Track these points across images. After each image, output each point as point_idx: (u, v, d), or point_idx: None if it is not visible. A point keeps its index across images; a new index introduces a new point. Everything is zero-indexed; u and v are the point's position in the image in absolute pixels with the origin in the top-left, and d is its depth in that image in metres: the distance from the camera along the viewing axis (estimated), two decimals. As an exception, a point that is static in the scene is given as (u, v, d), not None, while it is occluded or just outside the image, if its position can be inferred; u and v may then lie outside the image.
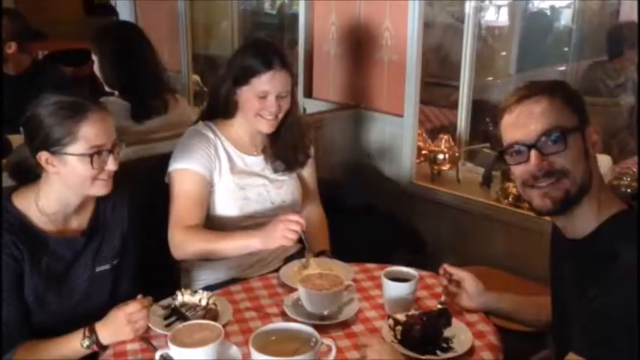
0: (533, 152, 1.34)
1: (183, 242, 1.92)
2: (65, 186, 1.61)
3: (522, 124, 1.35)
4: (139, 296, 1.58)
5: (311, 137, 2.32)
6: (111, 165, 1.61)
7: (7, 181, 1.70)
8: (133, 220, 1.81)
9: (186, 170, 2.00)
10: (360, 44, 2.97)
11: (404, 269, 1.74)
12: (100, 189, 1.63)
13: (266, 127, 2.04)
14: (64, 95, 1.60)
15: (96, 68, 2.59)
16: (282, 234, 1.78)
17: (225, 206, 2.05)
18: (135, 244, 1.82)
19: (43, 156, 1.57)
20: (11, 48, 2.95)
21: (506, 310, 1.70)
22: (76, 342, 1.55)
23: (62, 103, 1.57)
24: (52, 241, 1.65)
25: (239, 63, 2.02)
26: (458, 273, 1.70)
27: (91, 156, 1.56)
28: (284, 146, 2.13)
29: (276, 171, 2.14)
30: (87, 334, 1.54)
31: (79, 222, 1.71)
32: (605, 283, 1.26)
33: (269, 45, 2.10)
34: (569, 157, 1.33)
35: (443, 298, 1.70)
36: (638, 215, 1.36)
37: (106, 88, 2.59)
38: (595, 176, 1.37)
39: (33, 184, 1.65)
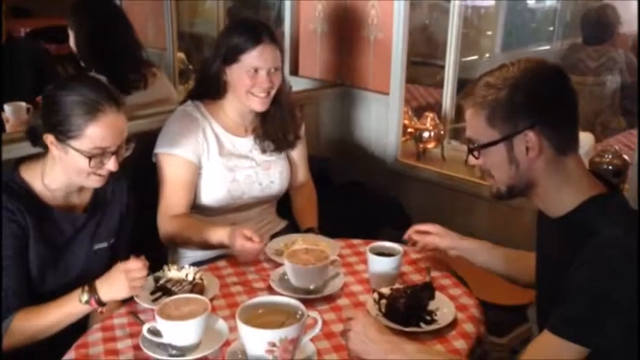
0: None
1: (168, 236, 2.01)
2: (63, 170, 1.63)
3: None
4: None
5: (301, 115, 2.32)
6: (110, 165, 1.62)
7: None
8: (131, 201, 1.83)
9: (174, 156, 2.01)
10: (346, 22, 2.96)
11: (389, 244, 1.77)
12: (94, 183, 1.66)
13: (259, 105, 2.03)
14: (92, 88, 1.59)
15: (72, 43, 2.56)
16: None
17: (214, 188, 2.06)
18: (131, 224, 1.84)
19: (49, 138, 1.59)
20: None
21: (494, 262, 1.74)
22: (75, 299, 1.56)
23: (83, 98, 1.57)
24: (56, 212, 1.67)
25: (227, 42, 2.01)
26: (422, 229, 1.83)
27: (91, 156, 1.58)
28: (274, 126, 2.12)
29: (264, 151, 2.14)
30: (86, 289, 1.56)
31: (81, 199, 1.73)
32: (580, 259, 1.27)
33: (256, 21, 2.10)
34: (488, 164, 1.40)
35: (428, 278, 1.71)
36: (638, 204, 1.37)
37: (82, 64, 2.56)
38: (545, 172, 1.35)
39: (40, 158, 1.67)
